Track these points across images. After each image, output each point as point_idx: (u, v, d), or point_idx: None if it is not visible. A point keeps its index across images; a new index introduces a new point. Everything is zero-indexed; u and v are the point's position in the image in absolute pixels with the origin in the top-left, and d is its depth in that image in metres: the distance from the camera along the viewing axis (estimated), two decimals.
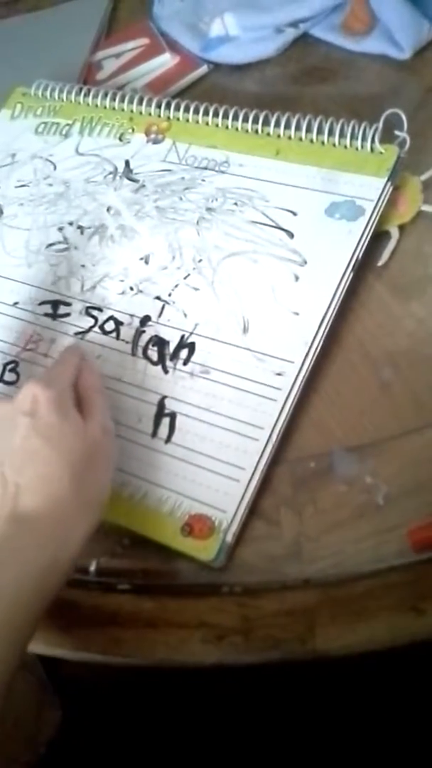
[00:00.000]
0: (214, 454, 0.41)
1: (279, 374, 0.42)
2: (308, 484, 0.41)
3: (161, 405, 0.43)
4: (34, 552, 0.34)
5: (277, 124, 0.50)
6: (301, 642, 0.35)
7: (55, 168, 0.55)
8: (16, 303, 0.49)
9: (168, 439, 0.42)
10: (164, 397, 0.43)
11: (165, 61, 0.64)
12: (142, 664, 0.37)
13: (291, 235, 0.46)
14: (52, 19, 0.74)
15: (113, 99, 0.56)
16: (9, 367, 0.47)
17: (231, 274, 0.46)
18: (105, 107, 0.56)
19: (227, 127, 0.52)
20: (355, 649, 0.35)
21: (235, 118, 0.52)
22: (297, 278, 0.45)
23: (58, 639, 0.39)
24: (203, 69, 0.63)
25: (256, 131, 0.51)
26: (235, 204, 0.49)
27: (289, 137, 0.50)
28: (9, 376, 0.47)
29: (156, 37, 0.67)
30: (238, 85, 0.62)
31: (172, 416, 0.43)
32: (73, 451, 0.36)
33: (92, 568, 0.41)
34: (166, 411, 0.43)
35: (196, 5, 0.68)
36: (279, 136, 0.50)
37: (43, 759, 0.60)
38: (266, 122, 0.51)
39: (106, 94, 0.56)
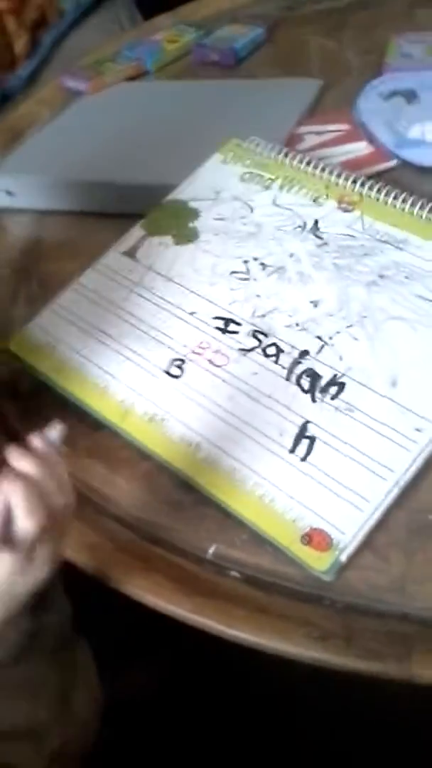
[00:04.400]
0: (344, 481, 0.45)
1: (418, 430, 0.47)
2: (423, 533, 0.44)
3: (304, 427, 0.48)
4: None
5: None
6: (398, 660, 0.38)
7: (252, 211, 0.62)
8: (193, 312, 0.56)
9: (304, 458, 0.47)
10: (308, 422, 0.48)
11: (361, 148, 0.72)
12: (249, 641, 0.41)
13: None
14: (268, 89, 0.84)
15: (315, 167, 0.63)
16: (176, 363, 0.53)
17: (391, 334, 0.51)
18: (306, 172, 0.64)
19: (412, 213, 0.58)
20: None
21: (421, 207, 0.58)
22: None
23: (178, 599, 0.43)
24: (392, 162, 0.70)
25: None
26: (406, 277, 0.54)
27: None
28: (174, 371, 0.53)
29: (356, 126, 0.75)
30: (420, 184, 0.68)
31: (312, 439, 0.47)
32: None
33: (211, 550, 0.46)
34: (308, 434, 0.48)
35: (396, 110, 0.76)
36: None
37: None
38: None
39: (309, 162, 0.64)
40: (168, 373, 0.53)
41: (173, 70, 0.96)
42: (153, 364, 0.54)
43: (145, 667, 0.76)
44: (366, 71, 0.83)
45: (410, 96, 0.78)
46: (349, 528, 0.44)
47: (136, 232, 0.63)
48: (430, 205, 0.58)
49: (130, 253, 0.62)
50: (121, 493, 0.50)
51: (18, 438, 0.54)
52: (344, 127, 0.75)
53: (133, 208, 0.67)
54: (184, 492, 0.48)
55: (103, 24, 1.54)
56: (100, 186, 0.72)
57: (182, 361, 0.53)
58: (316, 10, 1.00)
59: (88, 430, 0.54)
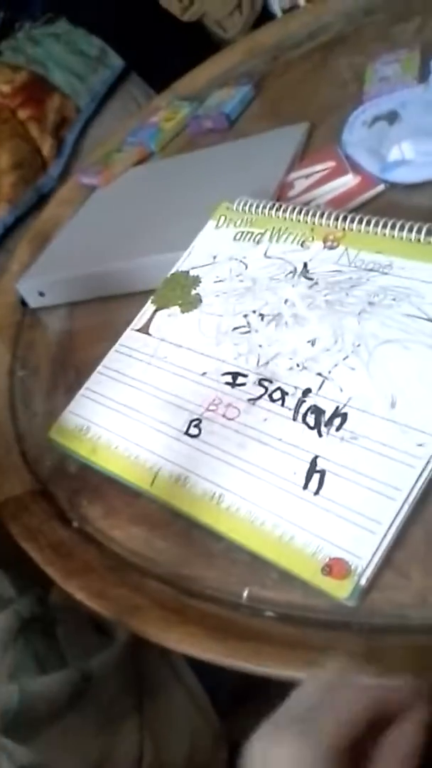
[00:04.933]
0: (355, 508, 0.47)
1: (420, 445, 0.48)
2: None
3: (313, 463, 0.51)
4: None
5: None
6: (418, 675, 0.39)
7: (246, 267, 0.66)
8: (204, 373, 0.60)
9: (317, 492, 0.49)
10: (317, 457, 0.51)
11: (347, 181, 0.75)
12: (278, 675, 0.43)
13: None
14: (256, 144, 0.89)
15: (299, 213, 0.67)
16: (194, 423, 0.57)
17: (384, 357, 0.54)
18: (291, 220, 0.67)
19: (393, 237, 0.60)
20: None
21: (401, 228, 0.60)
22: None
23: (211, 646, 0.46)
24: (380, 188, 0.73)
25: (419, 240, 0.59)
26: (394, 299, 0.56)
27: None
28: (193, 431, 0.57)
29: (341, 161, 0.78)
30: (410, 201, 0.70)
31: (322, 473, 0.50)
32: None
33: (245, 594, 0.49)
34: (318, 468, 0.50)
35: (380, 134, 0.78)
36: None
37: None
38: (428, 233, 0.59)
39: (293, 209, 0.68)
40: (188, 434, 0.57)
41: (175, 146, 1.03)
42: (173, 428, 0.58)
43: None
44: (349, 103, 0.87)
45: (392, 118, 0.80)
46: (364, 552, 0.46)
47: (147, 308, 0.69)
48: (408, 225, 0.60)
49: (144, 329, 0.67)
50: (160, 552, 0.54)
51: (65, 518, 0.60)
52: (330, 164, 0.78)
53: (149, 284, 0.72)
54: (215, 541, 0.52)
55: (122, 107, 1.66)
56: (115, 272, 0.78)
57: (199, 420, 0.58)
58: (298, 54, 1.05)
59: (130, 499, 0.58)
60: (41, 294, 0.84)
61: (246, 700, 0.60)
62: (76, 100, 1.58)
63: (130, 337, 0.67)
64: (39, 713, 0.50)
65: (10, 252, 1.04)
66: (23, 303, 0.85)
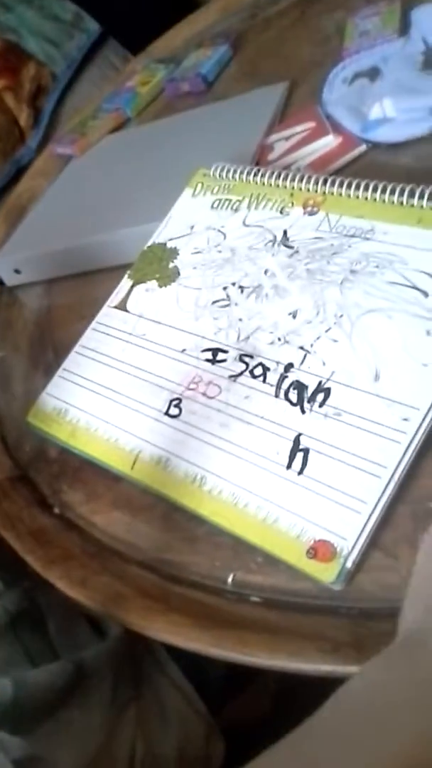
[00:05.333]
0: (340, 487, 0.46)
1: (405, 419, 0.46)
2: (427, 522, 0.44)
3: (297, 441, 0.49)
4: None
5: (421, 196, 0.55)
6: None
7: (225, 237, 0.64)
8: (183, 350, 0.58)
9: (300, 471, 0.48)
10: (300, 434, 0.49)
11: (328, 142, 0.72)
12: (264, 664, 0.42)
13: (426, 294, 0.51)
14: (234, 106, 0.86)
15: (277, 178, 0.64)
16: (174, 402, 0.55)
17: (367, 328, 0.51)
18: (270, 185, 0.64)
19: (375, 200, 0.58)
20: None
21: (383, 191, 0.57)
22: (428, 333, 0.49)
23: (196, 635, 0.45)
24: (362, 148, 0.70)
25: (401, 203, 0.56)
26: (377, 267, 0.54)
27: (431, 208, 0.55)
28: (173, 411, 0.55)
29: (322, 121, 0.74)
30: (393, 161, 0.68)
31: (306, 451, 0.48)
32: None
33: (230, 579, 0.47)
34: (301, 447, 0.48)
35: (360, 91, 0.75)
36: (422, 207, 0.55)
37: None
38: (411, 195, 0.56)
39: (272, 174, 0.65)
40: (168, 414, 0.55)
41: (152, 110, 0.99)
42: (154, 409, 0.56)
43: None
44: (329, 60, 0.83)
45: (373, 74, 0.77)
46: (349, 533, 0.44)
47: (124, 283, 0.66)
48: (390, 187, 0.57)
49: (121, 306, 0.65)
50: (143, 537, 0.52)
51: (46, 504, 0.58)
52: (310, 125, 0.75)
53: (128, 258, 0.70)
54: (197, 525, 0.50)
55: (100, 73, 1.60)
56: (92, 246, 0.75)
57: (179, 399, 0.55)
58: (276, 10, 1.00)
59: (111, 483, 0.57)
60: (17, 271, 0.81)
61: (237, 690, 0.60)
62: (52, 68, 1.53)
63: (107, 314, 0.65)
64: (34, 706, 0.49)
65: None
66: None
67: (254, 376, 0.54)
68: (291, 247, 0.59)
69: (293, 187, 0.63)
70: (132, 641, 0.53)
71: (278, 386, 0.52)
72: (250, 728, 0.72)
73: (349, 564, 0.43)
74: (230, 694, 0.70)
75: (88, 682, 0.50)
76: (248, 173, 0.66)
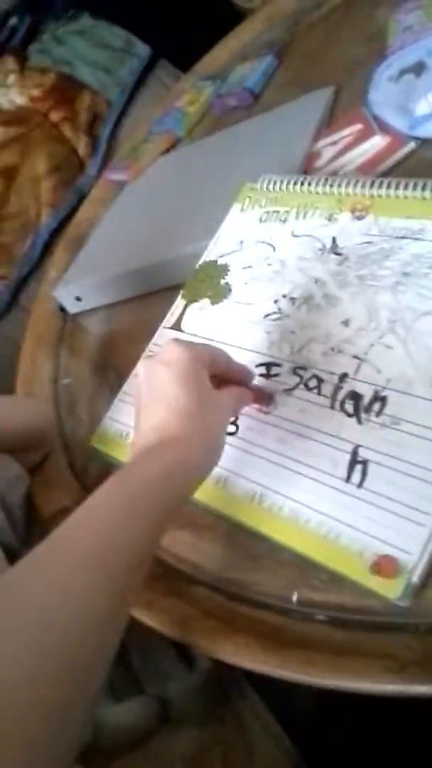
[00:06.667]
0: (401, 500, 0.44)
1: None
2: None
3: (355, 453, 0.48)
4: (172, 455, 0.44)
5: None
6: None
7: (274, 250, 0.63)
8: None
9: (360, 485, 0.46)
10: (358, 446, 0.48)
11: (376, 142, 0.70)
12: (330, 685, 0.41)
13: None
14: (281, 116, 0.85)
15: (324, 185, 0.63)
16: (231, 420, 0.55)
17: (423, 332, 0.50)
18: (317, 193, 0.64)
19: (424, 199, 0.56)
20: None
21: (430, 189, 0.56)
22: None
23: (263, 657, 0.44)
24: (411, 146, 0.68)
25: None
26: (429, 267, 0.52)
27: None
28: (230, 428, 0.55)
29: (369, 122, 0.73)
30: None
31: (365, 463, 0.47)
32: (193, 399, 0.46)
33: (294, 598, 0.46)
34: (359, 458, 0.47)
35: (408, 88, 0.73)
36: None
37: None
38: None
39: (318, 182, 0.64)
40: (227, 432, 0.55)
41: (202, 128, 1.00)
42: None
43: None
44: (373, 60, 0.81)
45: (419, 69, 0.75)
46: (414, 547, 0.42)
47: (178, 303, 0.67)
48: None
49: (176, 326, 0.65)
50: (207, 557, 0.52)
51: None
52: (357, 127, 0.74)
53: (183, 278, 0.70)
54: (260, 542, 0.50)
55: (154, 96, 1.63)
56: (148, 269, 0.76)
57: (236, 416, 0.55)
58: (319, 16, 0.99)
59: None
60: (78, 299, 0.83)
61: (322, 727, 0.58)
62: (106, 95, 1.57)
63: (162, 335, 0.66)
64: (114, 743, 0.49)
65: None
66: (62, 309, 0.85)
67: (309, 389, 0.53)
68: (340, 254, 0.58)
69: (340, 193, 0.62)
70: (220, 672, 0.53)
71: (333, 397, 0.51)
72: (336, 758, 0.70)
73: (414, 579, 0.42)
74: (320, 725, 0.68)
75: (174, 717, 0.50)
76: (294, 183, 0.66)
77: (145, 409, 0.48)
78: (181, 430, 0.45)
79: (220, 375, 0.50)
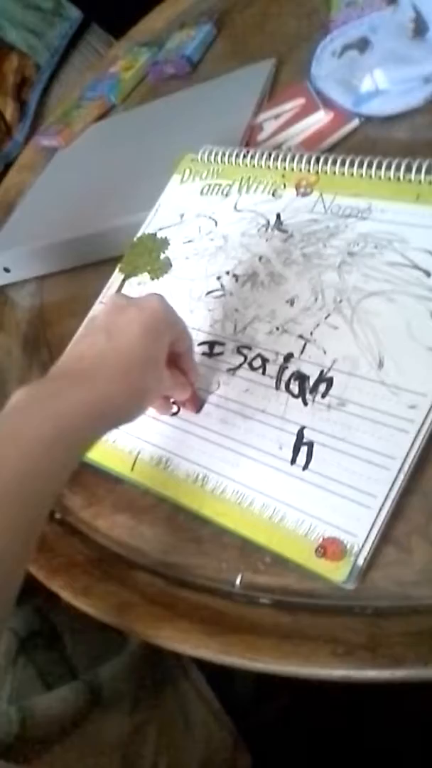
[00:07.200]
0: (347, 481, 0.44)
1: (412, 407, 0.44)
2: None
3: (300, 434, 0.47)
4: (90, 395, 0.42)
5: (418, 171, 0.53)
6: (425, 663, 0.36)
7: (216, 224, 0.61)
8: None
9: (305, 466, 0.46)
10: (303, 428, 0.47)
11: (319, 118, 0.69)
12: (276, 671, 0.40)
13: (428, 274, 0.48)
14: (221, 87, 0.83)
15: (268, 159, 0.62)
16: (172, 400, 0.53)
17: (369, 312, 0.49)
18: (261, 167, 0.62)
19: (371, 177, 0.55)
20: None
21: (378, 167, 0.55)
22: None
23: (203, 642, 0.43)
24: (355, 122, 0.67)
25: (398, 178, 0.54)
26: (375, 247, 0.52)
27: (430, 182, 0.52)
28: (173, 408, 0.53)
29: (312, 96, 0.72)
30: (388, 135, 0.65)
31: (310, 445, 0.46)
32: (144, 353, 0.44)
33: (237, 581, 0.45)
34: (305, 440, 0.47)
35: (351, 63, 0.72)
36: (420, 181, 0.53)
37: None
38: (408, 169, 0.53)
39: (262, 155, 0.62)
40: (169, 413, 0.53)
41: (137, 95, 0.97)
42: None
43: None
44: (316, 33, 0.80)
45: (362, 45, 0.74)
46: (360, 529, 0.42)
47: (115, 277, 0.64)
48: (386, 162, 0.55)
49: None
50: (147, 540, 0.51)
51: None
52: (300, 101, 0.72)
53: (120, 250, 0.67)
54: (202, 525, 0.48)
55: (85, 61, 1.57)
56: (81, 240, 0.73)
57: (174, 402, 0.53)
58: None
59: (112, 486, 0.55)
60: (6, 270, 0.79)
61: (262, 703, 0.58)
62: (35, 58, 1.50)
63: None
64: (43, 733, 0.47)
65: None
66: None
67: (253, 369, 0.52)
68: (285, 231, 0.57)
69: (284, 168, 0.61)
70: (155, 648, 0.52)
71: (278, 378, 0.50)
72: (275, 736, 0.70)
73: (360, 561, 0.41)
74: (257, 703, 0.68)
75: (105, 700, 0.48)
76: (237, 156, 0.64)
77: (91, 335, 0.46)
78: (114, 371, 0.43)
79: (174, 355, 0.48)
